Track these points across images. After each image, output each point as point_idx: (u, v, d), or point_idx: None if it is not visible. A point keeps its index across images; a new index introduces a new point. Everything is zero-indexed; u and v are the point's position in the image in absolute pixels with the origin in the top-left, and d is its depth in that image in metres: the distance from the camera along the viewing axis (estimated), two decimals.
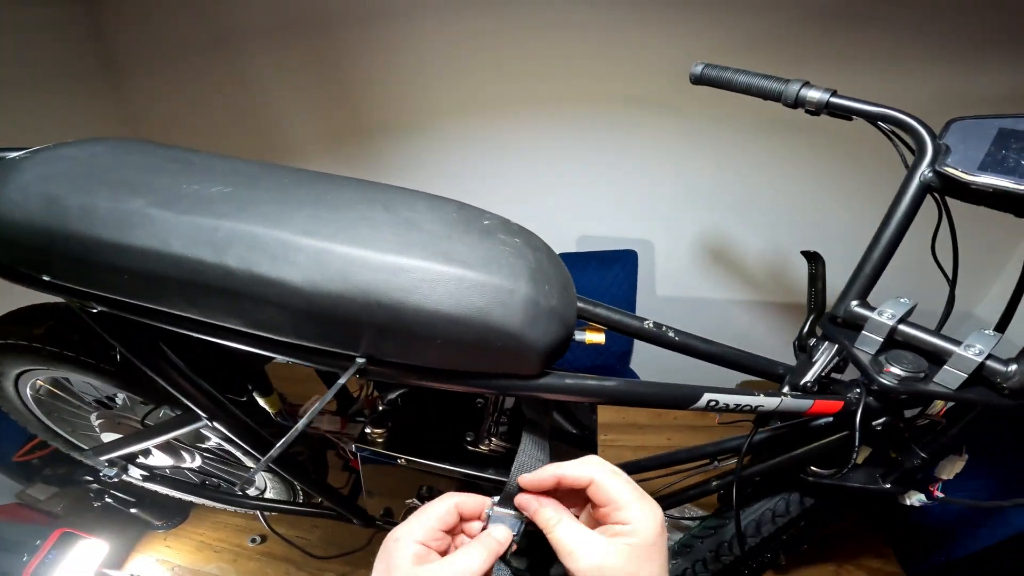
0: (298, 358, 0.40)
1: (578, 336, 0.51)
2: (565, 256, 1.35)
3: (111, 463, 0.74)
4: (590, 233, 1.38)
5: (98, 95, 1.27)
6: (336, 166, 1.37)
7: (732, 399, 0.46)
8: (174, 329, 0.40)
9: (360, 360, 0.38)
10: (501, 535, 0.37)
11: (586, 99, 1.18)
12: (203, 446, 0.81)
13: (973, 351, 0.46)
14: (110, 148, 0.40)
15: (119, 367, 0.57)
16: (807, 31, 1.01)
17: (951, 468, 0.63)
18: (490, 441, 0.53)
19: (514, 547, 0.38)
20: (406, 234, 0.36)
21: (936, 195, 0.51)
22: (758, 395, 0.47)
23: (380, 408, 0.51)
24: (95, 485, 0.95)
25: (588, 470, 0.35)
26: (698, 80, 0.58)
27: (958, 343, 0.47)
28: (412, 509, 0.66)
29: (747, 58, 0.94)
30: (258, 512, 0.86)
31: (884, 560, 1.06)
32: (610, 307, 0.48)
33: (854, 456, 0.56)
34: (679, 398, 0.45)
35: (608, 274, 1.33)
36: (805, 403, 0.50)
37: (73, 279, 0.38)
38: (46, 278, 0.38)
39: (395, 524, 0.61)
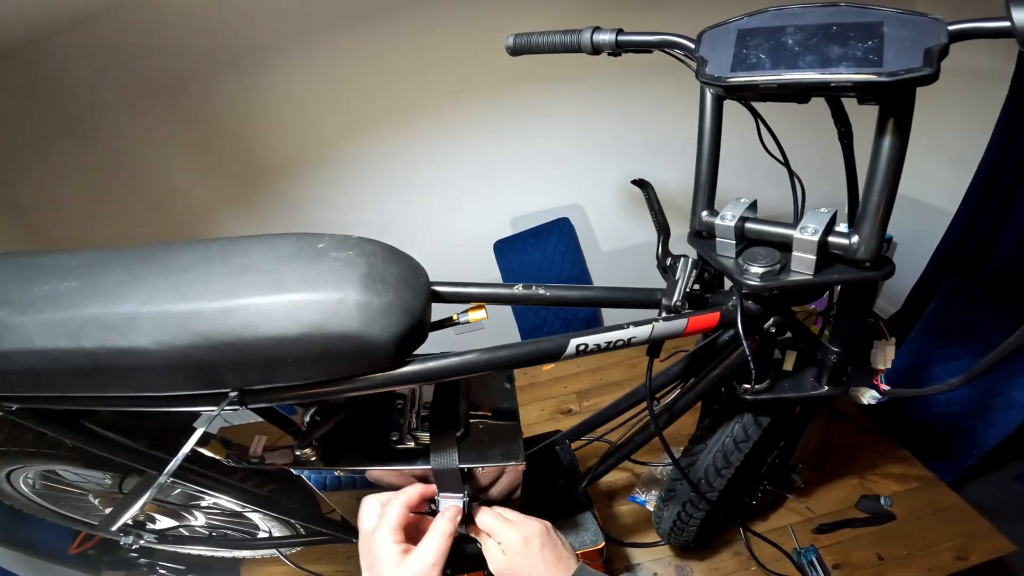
0: (182, 406, 0.46)
1: (462, 318, 0.55)
2: (502, 241, 1.41)
3: (124, 532, 0.81)
4: (522, 213, 1.44)
5: None
6: (247, 218, 1.37)
7: (601, 338, 0.49)
8: (76, 408, 0.48)
9: (232, 394, 0.43)
10: (449, 520, 0.52)
11: (478, 92, 1.22)
12: (199, 503, 0.88)
13: (808, 231, 0.48)
14: None
15: (73, 450, 0.64)
16: None
17: (884, 356, 0.64)
18: (414, 437, 0.57)
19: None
20: (236, 279, 0.41)
21: (747, 104, 0.54)
22: (627, 327, 0.50)
23: (303, 431, 0.56)
24: (142, 560, 1.01)
25: (477, 518, 0.55)
26: (514, 51, 0.61)
27: (793, 226, 0.49)
28: None
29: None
30: (276, 551, 0.93)
31: (906, 464, 1.05)
32: (472, 283, 0.52)
33: (751, 365, 0.57)
34: (547, 352, 0.48)
35: (547, 246, 1.39)
36: (680, 323, 0.52)
37: None
38: None
39: None
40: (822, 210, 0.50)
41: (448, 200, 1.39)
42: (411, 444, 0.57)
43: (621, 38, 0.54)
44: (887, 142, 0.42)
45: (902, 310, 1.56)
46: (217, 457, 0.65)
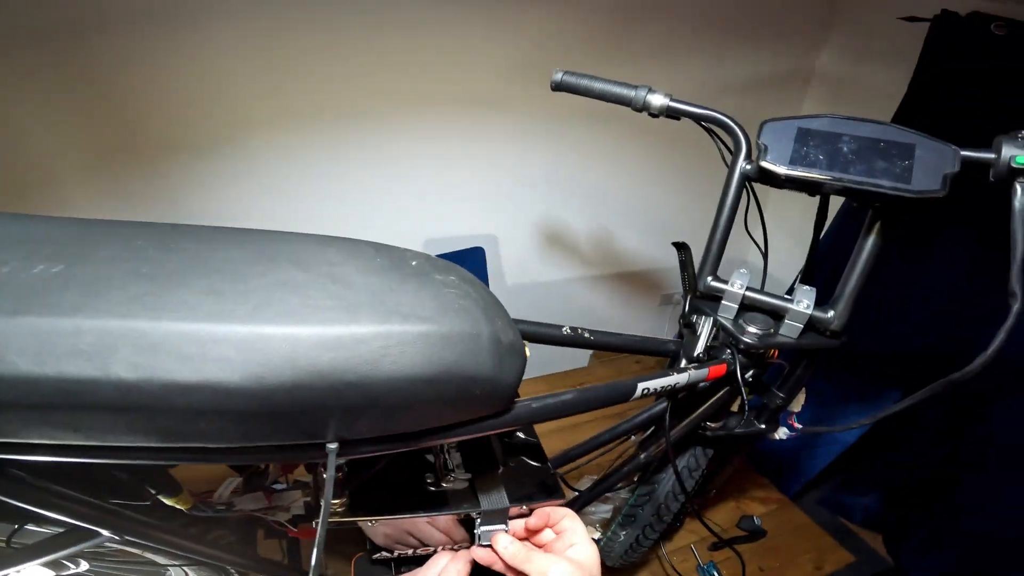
0: (248, 460, 0.37)
1: None
2: None
3: None
4: (436, 236, 1.37)
5: None
6: (117, 199, 1.12)
7: (659, 382, 0.55)
8: (54, 460, 0.33)
9: (332, 446, 0.35)
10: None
11: (413, 103, 1.17)
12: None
13: (802, 305, 0.61)
14: None
15: None
16: (611, 28, 1.18)
17: (798, 401, 0.81)
18: (451, 477, 0.54)
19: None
20: (342, 295, 0.33)
21: (748, 184, 0.63)
22: (672, 374, 0.57)
23: (337, 479, 0.49)
24: None
25: (562, 512, 0.49)
26: (558, 87, 0.65)
27: (791, 300, 0.62)
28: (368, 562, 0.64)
29: (558, 56, 1.11)
30: None
31: (767, 489, 1.31)
32: (531, 321, 0.54)
33: (746, 407, 0.69)
34: (623, 393, 0.53)
35: None
36: (704, 371, 0.61)
37: None
38: None
39: None
40: (807, 288, 0.64)
41: (361, 214, 1.28)
42: (448, 486, 0.54)
43: (672, 104, 0.62)
44: (872, 240, 0.57)
45: None
46: (181, 507, 0.52)
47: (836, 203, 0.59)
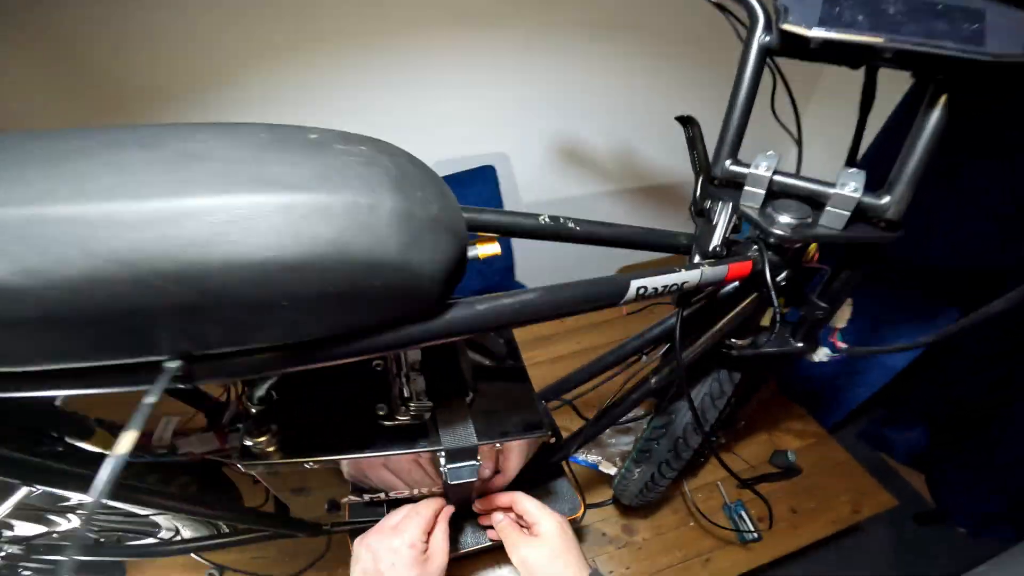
0: (79, 387, 0.28)
1: (469, 252, 0.44)
2: None
3: None
4: (444, 157, 1.35)
5: None
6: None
7: (659, 281, 0.43)
8: None
9: (171, 364, 0.26)
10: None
11: (415, 22, 1.10)
12: (66, 504, 0.64)
13: (849, 188, 0.47)
14: None
15: None
16: None
17: (842, 316, 0.67)
18: (408, 408, 0.45)
19: None
20: (183, 169, 0.24)
21: (772, 60, 0.52)
22: (679, 271, 0.45)
23: (252, 412, 0.40)
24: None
25: (511, 497, 0.57)
26: None
27: (832, 184, 0.48)
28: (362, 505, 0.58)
29: None
30: (194, 555, 0.71)
31: (803, 421, 1.18)
32: (496, 210, 0.42)
33: (778, 318, 0.57)
34: (609, 294, 0.41)
35: (469, 193, 1.32)
36: (721, 269, 0.48)
37: None
38: None
39: (347, 525, 0.63)
40: (852, 170, 0.49)
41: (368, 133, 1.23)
42: (405, 418, 0.45)
43: None
44: (935, 118, 0.42)
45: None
46: (103, 452, 0.45)
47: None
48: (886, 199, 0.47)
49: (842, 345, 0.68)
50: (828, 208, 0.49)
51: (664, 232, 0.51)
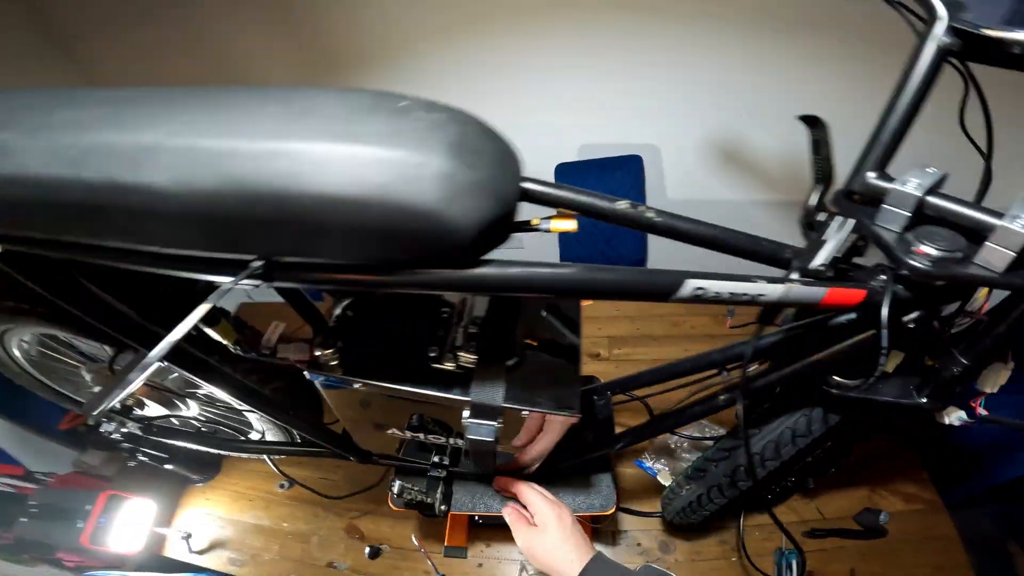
0: (190, 270, 0.37)
1: (543, 225, 0.44)
2: (565, 165, 1.31)
3: (108, 417, 0.74)
4: (593, 142, 1.33)
5: (53, 70, 1.20)
6: None
7: (724, 286, 0.39)
8: (70, 258, 0.38)
9: (256, 264, 0.34)
10: None
11: (579, 5, 1.09)
12: (195, 391, 0.80)
13: (1020, 222, 0.36)
14: None
15: (56, 310, 0.55)
16: None
17: (995, 379, 0.54)
18: (456, 357, 0.48)
19: None
20: (292, 122, 0.32)
21: (957, 62, 0.43)
22: (758, 281, 0.39)
23: (329, 324, 0.46)
24: (125, 444, 0.97)
25: (519, 486, 0.61)
26: None
27: (1000, 215, 0.38)
28: (405, 442, 0.64)
29: None
30: (264, 456, 0.86)
31: (920, 485, 0.99)
32: (570, 187, 0.40)
33: (882, 361, 0.47)
34: (655, 286, 0.38)
35: (610, 179, 1.28)
36: (818, 291, 0.41)
37: None
38: None
39: (395, 461, 0.71)
40: None
41: (522, 113, 1.26)
42: (451, 366, 0.48)
43: None
44: None
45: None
46: (224, 342, 0.56)
47: None
48: None
49: (982, 412, 0.55)
50: (988, 243, 0.39)
51: (765, 240, 0.45)
